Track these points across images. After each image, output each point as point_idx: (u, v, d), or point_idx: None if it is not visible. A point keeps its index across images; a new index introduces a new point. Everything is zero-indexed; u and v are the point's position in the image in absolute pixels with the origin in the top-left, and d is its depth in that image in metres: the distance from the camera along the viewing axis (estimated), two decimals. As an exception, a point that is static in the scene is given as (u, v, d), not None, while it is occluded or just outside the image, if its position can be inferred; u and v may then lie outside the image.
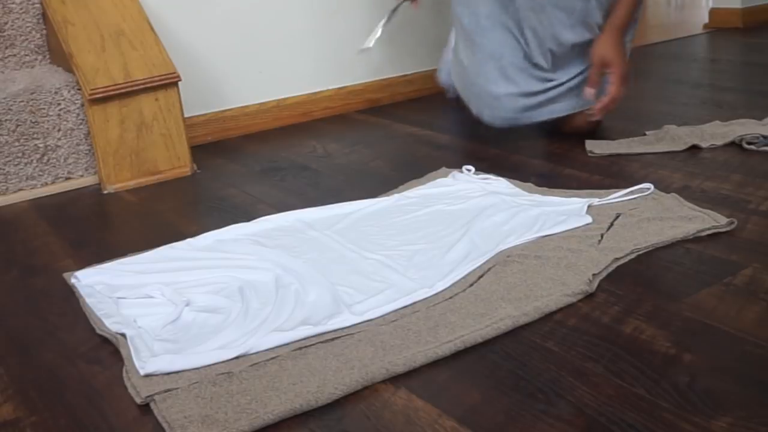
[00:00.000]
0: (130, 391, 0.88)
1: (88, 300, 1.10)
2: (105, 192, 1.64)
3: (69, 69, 1.68)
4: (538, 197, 1.33)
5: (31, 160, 1.63)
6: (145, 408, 0.85)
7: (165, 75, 1.66)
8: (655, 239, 1.12)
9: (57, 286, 1.19)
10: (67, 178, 1.68)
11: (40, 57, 1.82)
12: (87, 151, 1.67)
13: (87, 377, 0.93)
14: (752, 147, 1.49)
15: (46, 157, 1.64)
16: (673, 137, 1.59)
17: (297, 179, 1.60)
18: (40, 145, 1.63)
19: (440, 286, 1.04)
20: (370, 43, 1.77)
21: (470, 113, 1.73)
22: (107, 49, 1.67)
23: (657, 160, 1.48)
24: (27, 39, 1.79)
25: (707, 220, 1.17)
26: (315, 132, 1.96)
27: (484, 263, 1.09)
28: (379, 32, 1.77)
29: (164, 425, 0.81)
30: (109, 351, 0.98)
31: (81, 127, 1.66)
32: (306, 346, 0.93)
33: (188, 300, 1.06)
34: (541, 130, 1.76)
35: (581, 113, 1.65)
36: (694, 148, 1.53)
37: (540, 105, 1.66)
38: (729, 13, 2.89)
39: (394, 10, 1.81)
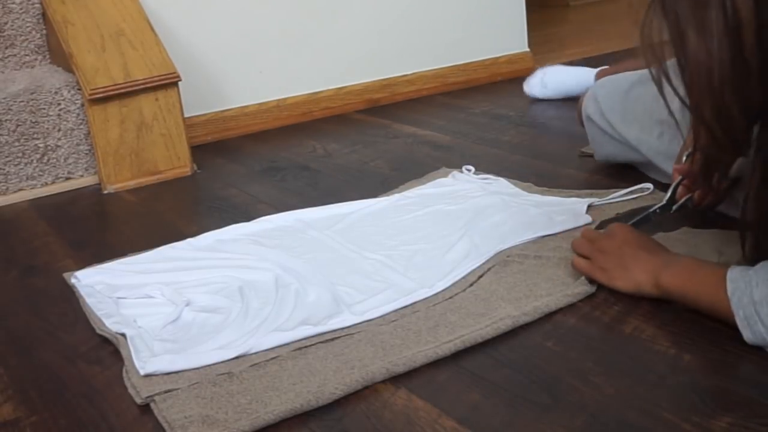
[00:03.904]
0: (130, 391, 0.88)
1: (88, 300, 1.10)
2: (105, 192, 1.64)
3: (69, 69, 1.68)
4: (538, 197, 1.33)
5: (31, 160, 1.63)
6: (145, 408, 0.85)
7: (165, 75, 1.66)
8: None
9: (57, 286, 1.19)
10: (67, 178, 1.68)
11: (40, 57, 1.82)
12: (87, 151, 1.67)
13: (87, 377, 0.93)
14: None
15: (46, 157, 1.64)
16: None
17: (297, 179, 1.60)
18: (40, 145, 1.63)
19: (440, 286, 1.04)
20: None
21: None
22: (107, 49, 1.67)
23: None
24: (27, 39, 1.79)
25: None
26: (315, 132, 1.96)
27: (484, 263, 1.09)
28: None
29: (164, 425, 0.81)
30: (109, 351, 0.98)
31: (81, 127, 1.66)
32: (306, 346, 0.93)
33: (188, 300, 1.06)
34: (541, 131, 1.75)
35: None
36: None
37: None
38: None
39: (661, 209, 1.15)
